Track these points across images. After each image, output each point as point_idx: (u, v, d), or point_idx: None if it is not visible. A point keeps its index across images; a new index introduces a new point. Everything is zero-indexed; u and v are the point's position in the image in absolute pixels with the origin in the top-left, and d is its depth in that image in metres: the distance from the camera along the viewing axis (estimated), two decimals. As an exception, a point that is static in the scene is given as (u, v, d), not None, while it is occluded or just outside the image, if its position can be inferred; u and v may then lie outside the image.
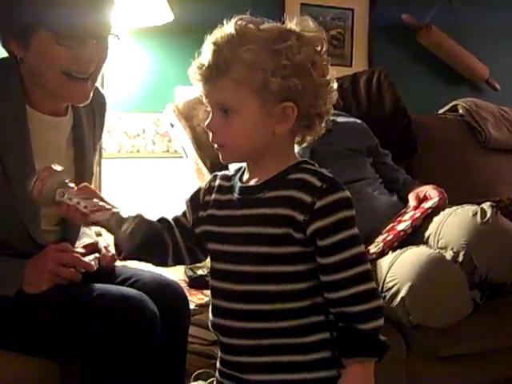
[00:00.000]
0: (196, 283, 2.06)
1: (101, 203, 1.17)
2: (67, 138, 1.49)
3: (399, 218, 2.03)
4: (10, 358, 1.38)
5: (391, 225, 2.01)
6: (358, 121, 2.32)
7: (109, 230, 1.18)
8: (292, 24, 1.10)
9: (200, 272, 2.08)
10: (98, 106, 1.59)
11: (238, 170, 1.17)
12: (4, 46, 1.41)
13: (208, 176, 2.24)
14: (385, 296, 1.80)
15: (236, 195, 1.12)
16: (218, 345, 1.17)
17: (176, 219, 1.21)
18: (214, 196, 1.16)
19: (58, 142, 1.42)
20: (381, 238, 1.96)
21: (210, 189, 1.18)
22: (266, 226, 1.06)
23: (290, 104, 1.06)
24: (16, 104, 1.40)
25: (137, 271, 1.57)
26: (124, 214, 1.14)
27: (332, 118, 2.28)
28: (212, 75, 1.06)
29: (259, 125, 1.07)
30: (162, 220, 1.21)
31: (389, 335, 1.86)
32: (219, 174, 1.20)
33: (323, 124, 1.13)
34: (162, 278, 1.54)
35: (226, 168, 1.33)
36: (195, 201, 1.19)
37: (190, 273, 2.09)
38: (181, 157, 2.50)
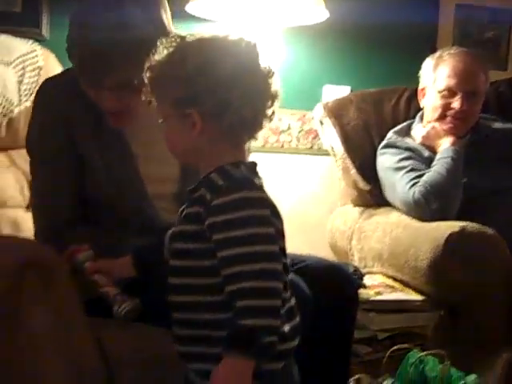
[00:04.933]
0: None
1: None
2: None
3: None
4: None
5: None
6: (517, 127, 2.24)
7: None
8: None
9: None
10: None
11: None
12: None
13: (355, 174, 2.25)
14: None
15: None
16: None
17: None
18: None
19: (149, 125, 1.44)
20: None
21: None
22: (188, 223, 1.12)
23: (190, 110, 1.11)
24: (90, 103, 1.46)
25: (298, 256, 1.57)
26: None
27: (487, 123, 2.24)
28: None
29: (179, 132, 1.14)
30: None
31: None
32: None
33: (257, 127, 1.16)
34: (328, 261, 1.58)
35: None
36: None
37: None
38: (324, 154, 2.52)
